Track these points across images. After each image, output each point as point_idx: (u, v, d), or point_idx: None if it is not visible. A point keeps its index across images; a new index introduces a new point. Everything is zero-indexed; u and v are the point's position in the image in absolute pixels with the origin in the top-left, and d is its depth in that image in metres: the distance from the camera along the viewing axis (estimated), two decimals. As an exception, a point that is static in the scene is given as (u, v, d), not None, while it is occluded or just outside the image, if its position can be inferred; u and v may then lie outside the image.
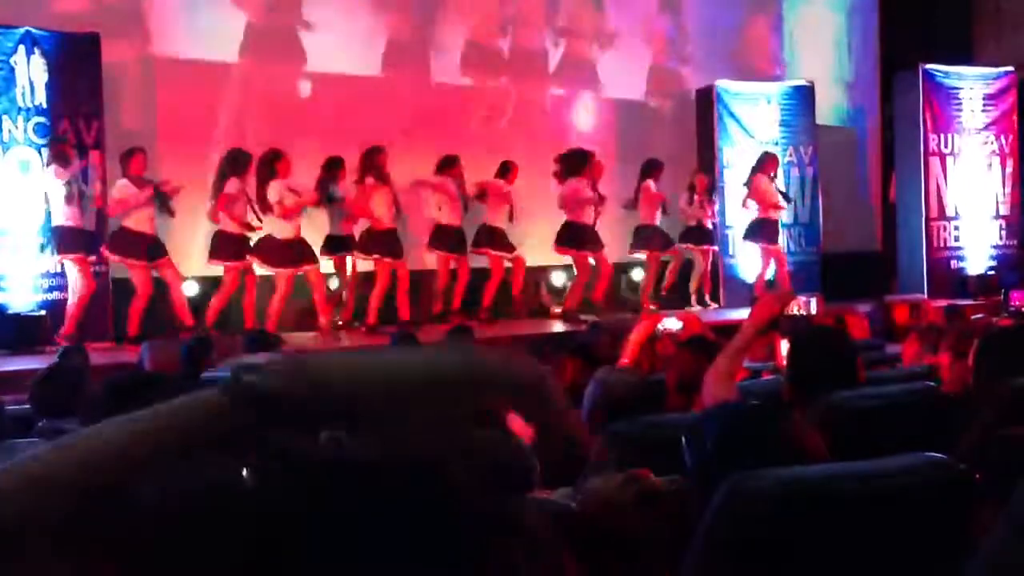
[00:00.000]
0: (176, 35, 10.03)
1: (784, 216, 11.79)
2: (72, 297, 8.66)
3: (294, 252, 9.20)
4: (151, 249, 8.85)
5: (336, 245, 9.67)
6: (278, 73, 10.47)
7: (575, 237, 10.36)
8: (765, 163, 11.48)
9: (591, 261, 10.53)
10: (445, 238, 9.99)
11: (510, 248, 10.29)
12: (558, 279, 11.29)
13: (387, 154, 9.55)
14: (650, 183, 10.90)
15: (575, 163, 10.38)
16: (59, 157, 8.59)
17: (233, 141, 9.51)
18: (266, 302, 9.17)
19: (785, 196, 11.60)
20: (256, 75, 10.31)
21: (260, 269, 9.23)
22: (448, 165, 9.96)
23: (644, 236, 10.99)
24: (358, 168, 9.51)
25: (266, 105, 10.22)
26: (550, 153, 10.72)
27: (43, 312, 8.68)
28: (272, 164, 9.07)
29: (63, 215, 8.58)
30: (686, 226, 11.43)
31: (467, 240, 10.12)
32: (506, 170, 10.28)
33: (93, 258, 8.79)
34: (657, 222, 10.98)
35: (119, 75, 9.59)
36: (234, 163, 9.10)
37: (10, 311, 8.70)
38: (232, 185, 9.05)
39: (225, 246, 9.14)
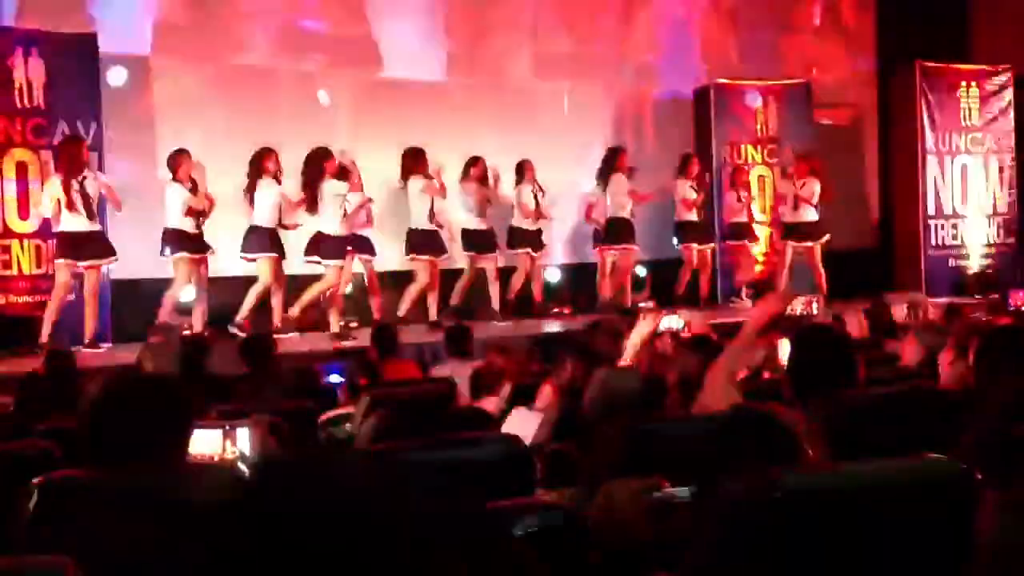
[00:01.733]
0: (172, 35, 10.02)
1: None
2: (54, 302, 8.55)
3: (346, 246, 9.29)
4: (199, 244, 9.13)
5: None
6: (292, 74, 10.47)
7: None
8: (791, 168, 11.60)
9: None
10: (473, 239, 10.17)
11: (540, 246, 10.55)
12: (552, 277, 11.31)
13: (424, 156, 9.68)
14: (684, 180, 11.08)
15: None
16: (75, 158, 8.56)
17: (233, 141, 9.52)
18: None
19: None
20: (257, 76, 10.29)
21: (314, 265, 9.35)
22: (473, 166, 10.09)
23: (683, 231, 11.13)
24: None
25: (269, 107, 10.21)
26: (558, 152, 10.85)
27: (39, 314, 8.64)
28: (321, 162, 9.21)
29: (69, 218, 8.53)
30: (731, 223, 11.61)
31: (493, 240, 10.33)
32: (521, 171, 10.44)
33: (88, 263, 8.70)
34: (695, 217, 11.15)
35: (117, 76, 9.57)
36: (257, 163, 9.23)
37: (5, 313, 8.71)
38: (265, 185, 9.18)
39: (259, 240, 9.23)
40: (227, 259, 9.38)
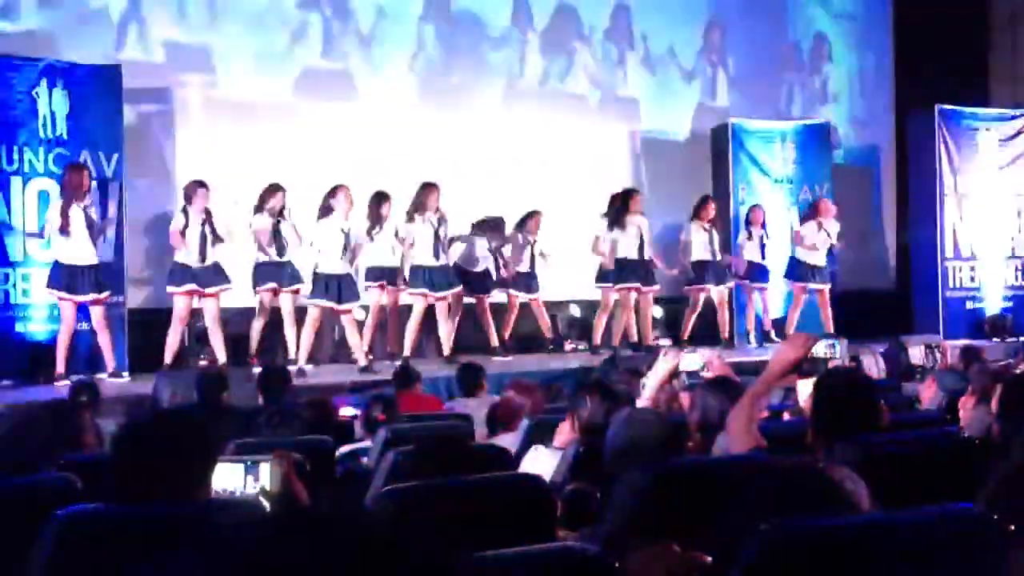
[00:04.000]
0: (197, 69, 10.12)
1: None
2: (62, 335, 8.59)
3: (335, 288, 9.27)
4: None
5: (379, 275, 9.73)
6: (302, 109, 10.54)
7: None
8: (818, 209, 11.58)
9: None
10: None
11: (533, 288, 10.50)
12: (574, 313, 11.32)
13: (437, 191, 9.70)
14: (699, 222, 11.08)
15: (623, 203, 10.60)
16: (75, 185, 8.59)
17: (254, 175, 9.58)
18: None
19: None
20: (277, 110, 10.37)
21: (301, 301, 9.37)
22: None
23: (697, 272, 11.09)
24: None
25: (288, 140, 10.27)
26: (572, 188, 10.90)
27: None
28: (326, 199, 9.31)
29: (65, 247, 8.52)
30: (746, 263, 11.52)
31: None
32: (527, 219, 10.48)
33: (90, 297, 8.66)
34: (711, 258, 11.09)
35: (140, 108, 9.64)
36: (262, 198, 9.27)
37: (28, 341, 8.75)
38: (258, 220, 9.21)
39: (262, 275, 9.27)
40: (242, 291, 9.42)
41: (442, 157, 10.47)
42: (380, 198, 9.64)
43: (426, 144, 10.61)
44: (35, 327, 8.83)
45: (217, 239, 8.95)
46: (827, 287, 11.54)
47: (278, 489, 2.65)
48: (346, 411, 6.83)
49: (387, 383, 7.73)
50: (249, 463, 2.65)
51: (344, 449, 5.17)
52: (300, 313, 9.32)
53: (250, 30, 10.35)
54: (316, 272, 9.23)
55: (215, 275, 9.01)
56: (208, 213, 8.96)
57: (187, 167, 9.67)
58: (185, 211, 8.94)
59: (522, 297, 10.46)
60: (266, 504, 2.59)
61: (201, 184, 8.98)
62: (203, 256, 8.90)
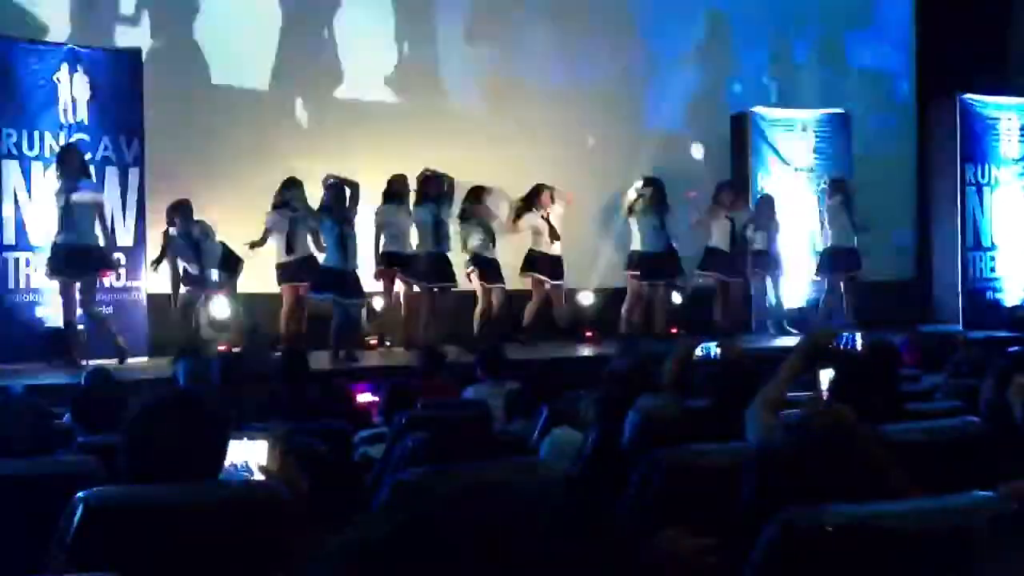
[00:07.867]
0: (217, 59, 10.14)
1: (819, 244, 11.79)
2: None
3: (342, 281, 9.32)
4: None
5: (390, 263, 9.75)
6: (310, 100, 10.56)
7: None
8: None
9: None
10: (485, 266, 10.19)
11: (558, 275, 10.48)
12: (586, 301, 11.30)
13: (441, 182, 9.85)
14: (719, 208, 11.05)
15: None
16: (66, 168, 8.55)
17: (269, 166, 9.60)
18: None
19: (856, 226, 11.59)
20: (289, 101, 10.40)
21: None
22: (475, 198, 10.14)
23: (715, 259, 11.06)
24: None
25: (299, 131, 10.30)
26: (582, 179, 10.85)
27: (80, 327, 8.69)
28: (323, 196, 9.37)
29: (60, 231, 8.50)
30: (753, 252, 11.44)
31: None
32: (536, 194, 10.42)
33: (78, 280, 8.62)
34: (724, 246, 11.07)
35: (161, 95, 9.64)
36: (283, 194, 9.32)
37: (46, 325, 8.78)
38: (276, 216, 9.28)
39: (287, 274, 9.34)
40: (260, 277, 9.45)
41: (445, 152, 10.44)
42: (400, 181, 9.75)
43: (427, 138, 10.58)
44: (51, 310, 8.84)
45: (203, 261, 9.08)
46: (856, 272, 11.52)
47: (275, 467, 2.64)
48: (363, 397, 6.86)
49: (407, 369, 7.75)
50: (245, 439, 2.65)
51: (362, 434, 5.19)
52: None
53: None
54: (322, 267, 9.27)
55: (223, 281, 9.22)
56: (193, 232, 9.04)
57: (204, 153, 9.70)
58: (168, 238, 9.05)
59: (548, 282, 10.45)
60: (263, 479, 2.60)
61: (178, 206, 9.03)
62: (204, 273, 9.06)
